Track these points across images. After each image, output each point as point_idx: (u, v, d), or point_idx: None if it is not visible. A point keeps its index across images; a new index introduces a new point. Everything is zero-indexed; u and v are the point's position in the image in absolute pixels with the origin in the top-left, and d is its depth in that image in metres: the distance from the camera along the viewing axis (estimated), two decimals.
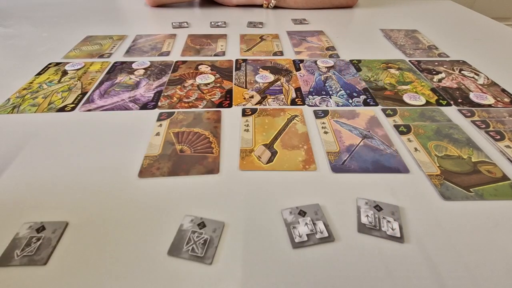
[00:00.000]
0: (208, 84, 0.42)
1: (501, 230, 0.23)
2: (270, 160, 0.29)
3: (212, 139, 0.32)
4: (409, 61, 0.48)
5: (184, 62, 0.48)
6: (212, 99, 0.38)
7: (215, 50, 0.52)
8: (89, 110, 0.36)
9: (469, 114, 0.36)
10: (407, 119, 0.35)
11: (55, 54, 0.50)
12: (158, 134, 0.32)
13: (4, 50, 0.52)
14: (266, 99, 0.38)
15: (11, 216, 0.24)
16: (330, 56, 0.50)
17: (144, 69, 0.46)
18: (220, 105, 0.37)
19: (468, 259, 0.21)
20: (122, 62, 0.47)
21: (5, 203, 0.25)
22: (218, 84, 0.42)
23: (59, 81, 0.42)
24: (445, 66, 0.47)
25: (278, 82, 0.42)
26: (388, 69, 0.46)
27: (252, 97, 0.39)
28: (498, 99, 0.39)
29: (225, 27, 0.62)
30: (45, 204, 0.25)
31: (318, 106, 0.37)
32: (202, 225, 0.23)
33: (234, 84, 0.42)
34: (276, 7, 0.74)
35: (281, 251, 0.22)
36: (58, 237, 0.22)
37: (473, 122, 0.34)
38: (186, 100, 0.38)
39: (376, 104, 0.38)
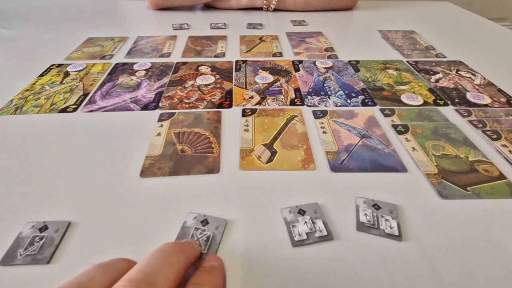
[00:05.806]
0: (209, 85, 0.42)
1: (498, 228, 0.23)
2: (269, 160, 0.29)
3: (213, 139, 0.32)
4: (407, 61, 0.49)
5: (184, 63, 0.48)
6: (213, 100, 0.39)
7: (215, 51, 0.52)
8: (91, 111, 0.37)
9: (466, 114, 0.36)
10: (405, 119, 0.35)
11: (57, 55, 0.50)
12: (159, 134, 0.33)
13: (6, 52, 0.52)
14: (265, 100, 0.39)
15: (14, 216, 0.24)
16: (329, 57, 0.50)
17: (145, 70, 0.46)
18: (220, 105, 0.38)
19: (465, 257, 0.21)
20: (124, 64, 0.48)
21: (8, 202, 0.25)
22: (218, 85, 0.42)
23: (61, 82, 0.43)
24: (442, 67, 0.47)
25: (278, 83, 0.43)
26: (386, 70, 0.46)
27: (252, 97, 0.39)
28: (495, 99, 0.39)
29: (225, 28, 0.63)
30: (48, 204, 0.25)
31: (317, 106, 0.38)
32: (205, 222, 0.23)
33: (234, 84, 0.42)
34: (275, 9, 0.74)
35: (281, 249, 0.22)
36: (61, 236, 0.22)
37: (470, 121, 0.35)
38: (187, 100, 0.39)
39: (374, 104, 0.38)
